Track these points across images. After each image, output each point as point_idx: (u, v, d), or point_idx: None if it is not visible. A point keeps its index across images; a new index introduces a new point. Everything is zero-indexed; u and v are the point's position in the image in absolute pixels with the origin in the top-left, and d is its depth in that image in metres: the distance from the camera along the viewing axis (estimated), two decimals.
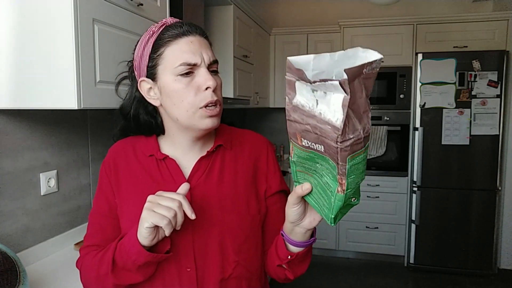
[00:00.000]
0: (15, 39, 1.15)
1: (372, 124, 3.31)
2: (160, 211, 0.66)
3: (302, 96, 0.55)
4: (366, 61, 0.48)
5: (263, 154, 0.90)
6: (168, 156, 0.83)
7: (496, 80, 3.02)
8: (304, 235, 0.75)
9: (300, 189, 0.66)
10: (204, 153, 0.84)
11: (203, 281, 0.79)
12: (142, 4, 1.40)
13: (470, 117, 3.07)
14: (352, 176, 0.56)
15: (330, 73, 0.49)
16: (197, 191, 0.81)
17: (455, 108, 3.09)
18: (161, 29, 0.77)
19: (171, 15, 1.63)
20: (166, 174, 0.83)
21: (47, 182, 1.46)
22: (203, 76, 0.75)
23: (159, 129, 0.86)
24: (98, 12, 1.18)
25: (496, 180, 3.09)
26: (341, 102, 0.49)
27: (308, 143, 0.58)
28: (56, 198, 1.52)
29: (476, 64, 3.03)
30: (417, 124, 3.18)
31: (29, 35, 1.13)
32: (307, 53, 3.62)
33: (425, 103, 3.14)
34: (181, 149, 0.84)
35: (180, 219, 0.68)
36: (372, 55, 0.49)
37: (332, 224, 0.63)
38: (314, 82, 0.51)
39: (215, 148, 0.85)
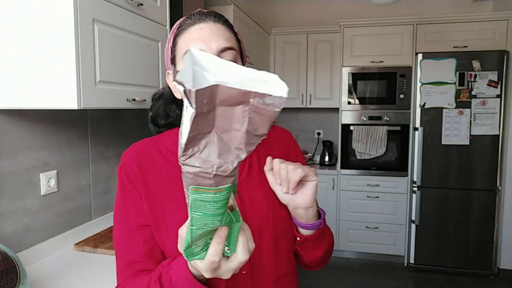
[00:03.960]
0: (16, 39, 1.15)
1: (372, 124, 3.32)
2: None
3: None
4: (256, 90, 0.39)
5: (291, 147, 0.89)
6: None
7: (496, 80, 3.02)
8: (307, 214, 0.73)
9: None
10: None
11: (259, 282, 0.76)
12: (142, 4, 1.40)
13: (470, 117, 3.07)
14: (199, 213, 0.45)
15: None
16: (243, 189, 0.76)
17: (455, 108, 3.09)
18: (182, 20, 0.74)
19: (171, 15, 1.63)
20: None
21: (47, 182, 1.46)
22: None
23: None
24: (98, 12, 1.18)
25: (496, 180, 3.09)
26: (190, 116, 0.40)
27: None
28: (56, 198, 1.52)
29: (476, 64, 3.03)
30: (417, 124, 3.18)
31: (29, 35, 1.13)
32: (307, 53, 3.63)
33: (425, 103, 3.14)
34: None
35: None
36: (274, 88, 0.40)
37: (188, 259, 0.53)
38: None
39: None
